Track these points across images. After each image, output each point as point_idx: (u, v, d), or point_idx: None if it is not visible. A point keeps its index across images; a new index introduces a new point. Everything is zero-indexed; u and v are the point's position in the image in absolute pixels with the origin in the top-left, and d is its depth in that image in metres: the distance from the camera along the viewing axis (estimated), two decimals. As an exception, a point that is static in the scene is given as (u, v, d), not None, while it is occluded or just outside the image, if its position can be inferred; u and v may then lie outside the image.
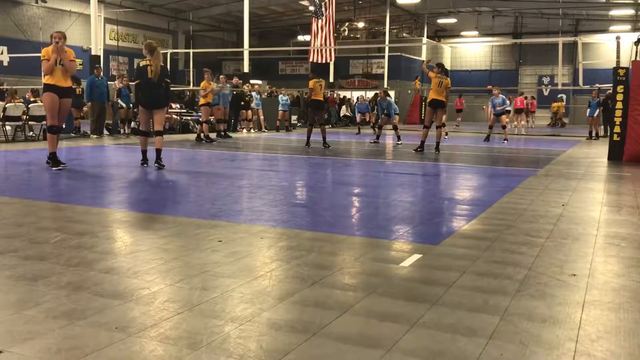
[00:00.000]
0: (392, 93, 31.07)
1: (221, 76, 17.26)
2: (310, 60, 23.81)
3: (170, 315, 2.62)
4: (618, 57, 12.30)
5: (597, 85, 18.78)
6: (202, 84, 14.42)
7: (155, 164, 8.25)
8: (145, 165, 8.44)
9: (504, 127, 17.10)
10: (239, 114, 19.69)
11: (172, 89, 20.37)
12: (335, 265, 3.54)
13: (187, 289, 3.00)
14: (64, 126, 10.23)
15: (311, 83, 12.92)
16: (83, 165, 8.89)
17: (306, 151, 12.31)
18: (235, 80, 19.84)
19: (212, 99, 14.50)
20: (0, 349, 2.23)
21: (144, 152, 8.55)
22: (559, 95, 32.91)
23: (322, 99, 13.03)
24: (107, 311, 2.65)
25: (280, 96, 21.21)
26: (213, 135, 15.08)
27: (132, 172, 8.13)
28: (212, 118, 15.29)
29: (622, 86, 11.05)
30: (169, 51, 20.83)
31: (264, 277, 3.23)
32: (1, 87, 17.86)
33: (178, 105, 19.81)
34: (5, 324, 2.48)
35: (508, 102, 17.53)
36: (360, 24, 37.38)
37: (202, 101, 14.45)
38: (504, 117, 17.04)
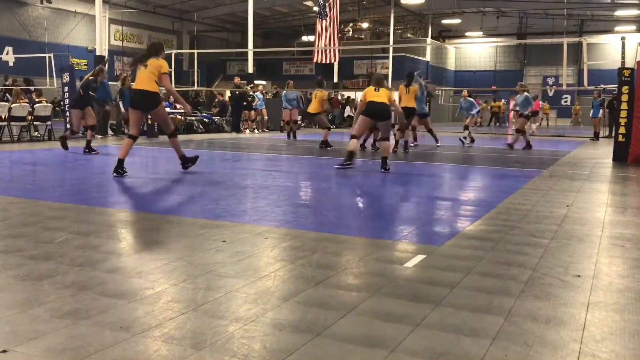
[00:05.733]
0: (395, 94, 31.09)
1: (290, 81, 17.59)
2: (315, 60, 23.81)
3: (175, 315, 2.62)
4: (623, 57, 12.28)
5: (602, 85, 18.71)
6: (321, 94, 13.90)
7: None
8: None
9: (466, 127, 16.78)
10: (241, 115, 19.71)
11: (177, 89, 20.58)
12: (339, 265, 3.54)
13: (191, 289, 3.00)
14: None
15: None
16: (87, 166, 8.91)
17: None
18: (237, 80, 19.98)
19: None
20: (5, 348, 2.23)
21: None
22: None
23: (413, 106, 12.66)
24: (112, 311, 2.66)
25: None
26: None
27: (136, 172, 8.14)
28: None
29: (627, 87, 11.01)
30: (173, 51, 20.86)
31: (268, 278, 3.24)
32: (33, 86, 17.89)
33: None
34: (10, 323, 2.49)
35: (476, 109, 16.75)
36: (365, 25, 37.38)
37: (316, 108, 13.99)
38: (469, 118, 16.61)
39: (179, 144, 7.98)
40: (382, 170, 8.43)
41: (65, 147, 10.58)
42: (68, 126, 12.96)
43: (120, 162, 7.43)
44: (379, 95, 8.35)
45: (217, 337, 2.39)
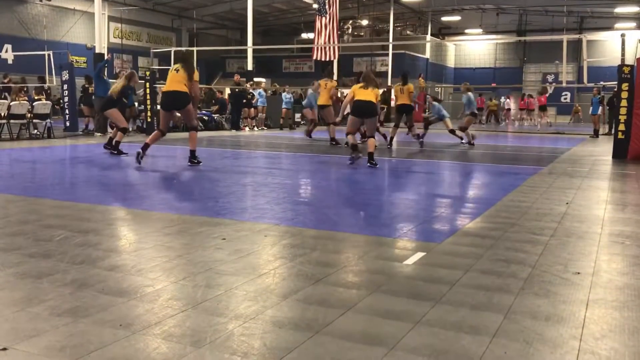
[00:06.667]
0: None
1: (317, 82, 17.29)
2: (314, 58, 23.77)
3: (174, 313, 2.62)
4: (623, 54, 12.24)
5: (602, 82, 18.67)
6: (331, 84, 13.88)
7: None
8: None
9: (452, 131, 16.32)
10: (240, 112, 19.69)
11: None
12: (339, 263, 3.54)
13: (191, 286, 3.01)
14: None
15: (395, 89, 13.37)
16: (87, 163, 8.91)
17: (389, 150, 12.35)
18: (236, 77, 20.01)
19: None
20: (4, 345, 2.24)
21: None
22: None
23: (408, 103, 12.99)
24: (111, 308, 2.66)
25: (283, 94, 21.21)
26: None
27: (135, 169, 8.13)
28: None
29: (627, 84, 11.00)
30: (173, 49, 20.86)
31: (268, 275, 3.24)
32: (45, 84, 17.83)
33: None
34: (10, 321, 2.49)
35: (444, 112, 16.34)
36: (364, 22, 37.32)
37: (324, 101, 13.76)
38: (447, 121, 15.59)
39: (196, 138, 8.67)
40: (369, 165, 8.68)
41: (120, 152, 9.89)
42: (110, 132, 11.90)
43: (146, 146, 8.36)
44: (367, 94, 8.50)
45: (217, 335, 2.39)
